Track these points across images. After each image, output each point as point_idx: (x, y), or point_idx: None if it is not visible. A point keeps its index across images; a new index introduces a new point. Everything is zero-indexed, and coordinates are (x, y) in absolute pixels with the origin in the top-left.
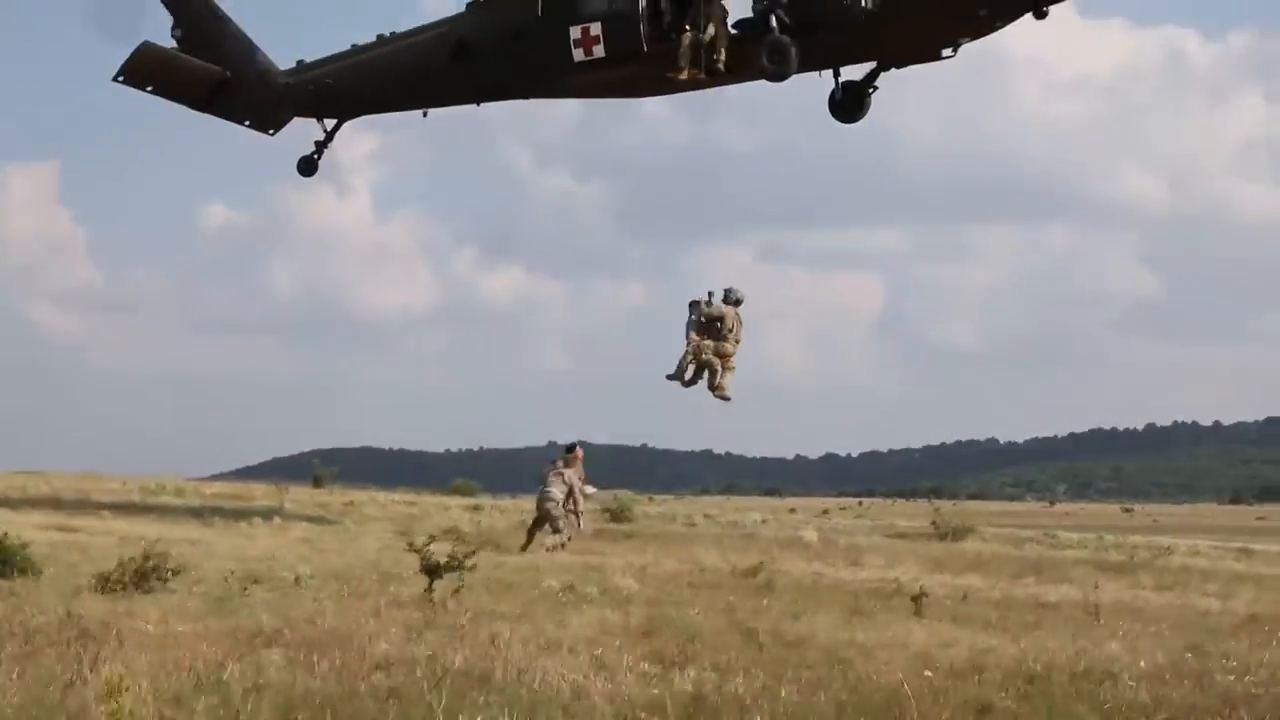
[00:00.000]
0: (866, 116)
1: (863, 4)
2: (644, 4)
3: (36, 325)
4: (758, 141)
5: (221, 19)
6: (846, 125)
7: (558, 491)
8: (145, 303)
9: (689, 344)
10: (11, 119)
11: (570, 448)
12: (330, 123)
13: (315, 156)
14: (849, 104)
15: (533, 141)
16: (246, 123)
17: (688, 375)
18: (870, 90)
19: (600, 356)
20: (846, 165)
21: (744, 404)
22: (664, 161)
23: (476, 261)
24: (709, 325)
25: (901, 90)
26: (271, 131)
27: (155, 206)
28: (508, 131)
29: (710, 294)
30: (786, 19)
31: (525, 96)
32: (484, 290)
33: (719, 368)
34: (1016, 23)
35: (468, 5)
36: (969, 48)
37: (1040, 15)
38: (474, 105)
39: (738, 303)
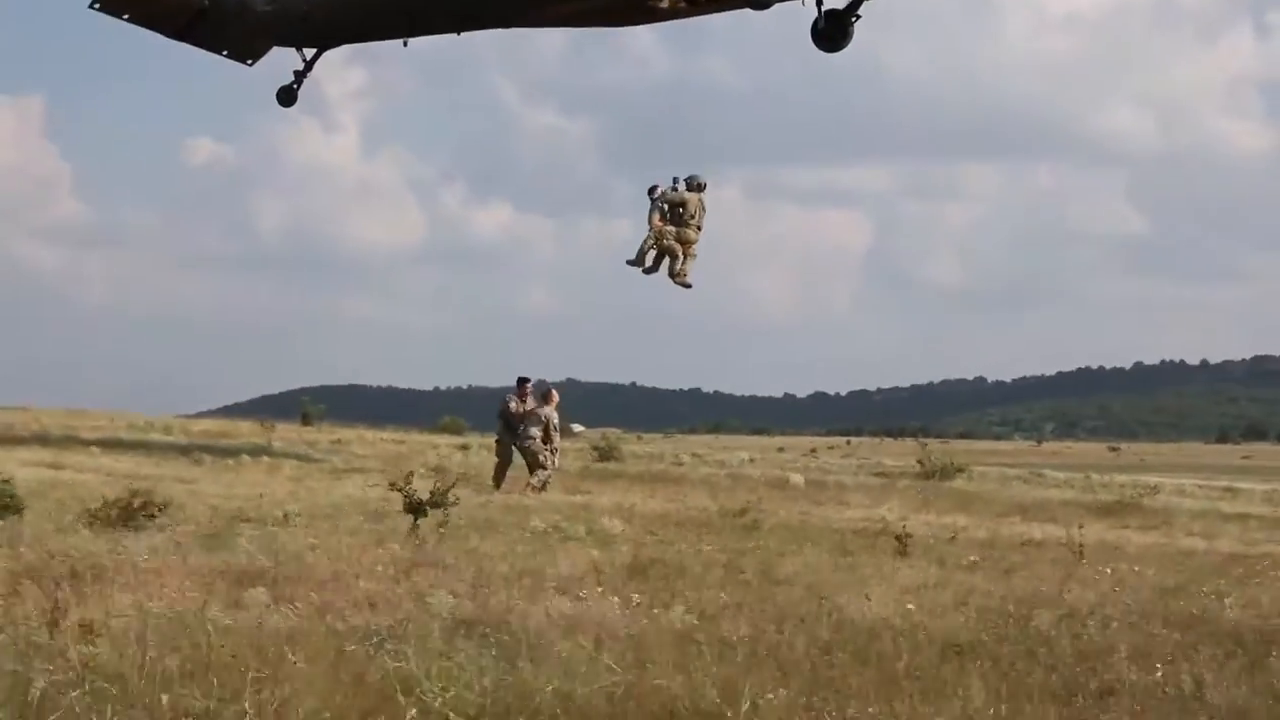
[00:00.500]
0: (855, 52)
1: None
2: None
3: (23, 260)
4: (745, 78)
5: None
6: (831, 55)
7: (536, 430)
8: (132, 237)
9: (651, 229)
10: None
11: (522, 381)
12: (310, 52)
13: (295, 86)
14: (832, 32)
15: (520, 77)
16: (224, 53)
17: (648, 261)
18: (853, 18)
19: (588, 294)
20: (835, 103)
21: (733, 342)
22: (651, 98)
23: (464, 198)
24: (671, 211)
25: (892, 28)
26: (250, 62)
27: (142, 140)
28: (495, 66)
29: (676, 179)
30: None
31: (505, 26)
32: (472, 227)
33: (680, 254)
34: None
35: None
36: None
37: None
38: (457, 37)
39: (700, 188)
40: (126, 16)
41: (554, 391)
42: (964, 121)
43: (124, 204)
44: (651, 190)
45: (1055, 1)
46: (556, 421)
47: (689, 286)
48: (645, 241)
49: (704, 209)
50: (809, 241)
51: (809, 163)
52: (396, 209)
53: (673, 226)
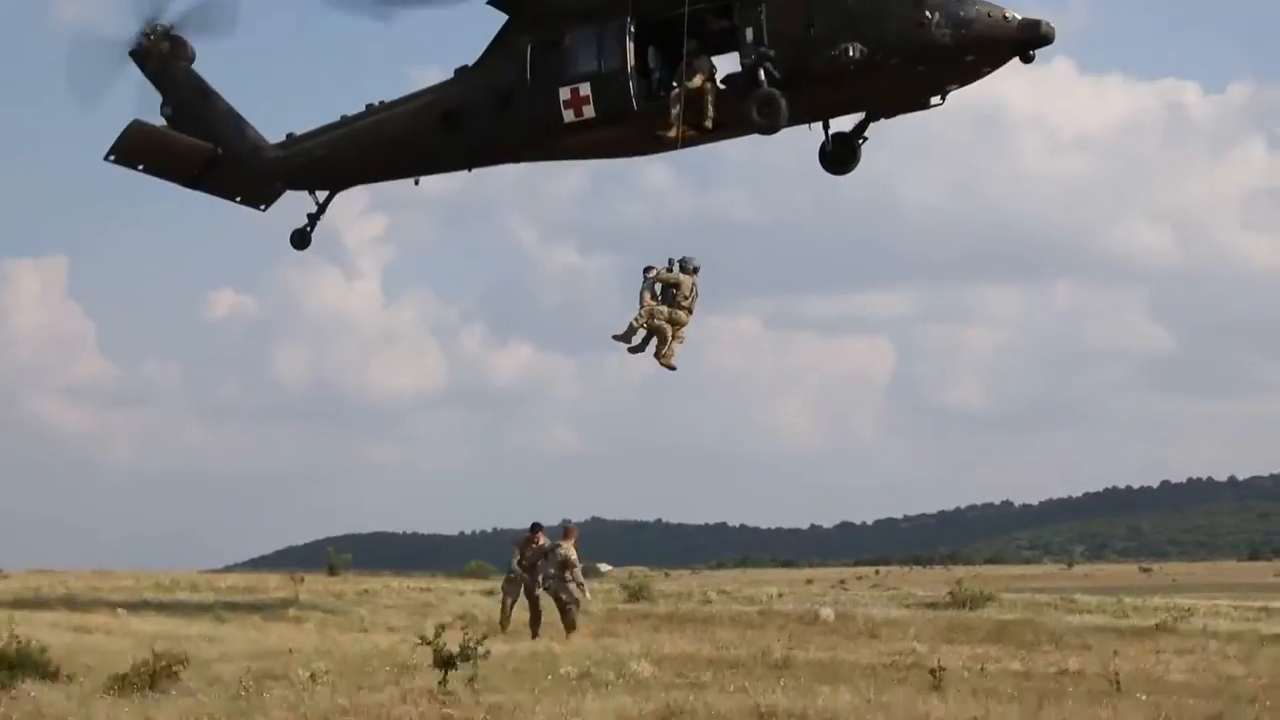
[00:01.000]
0: (868, 177)
1: (850, 53)
2: (632, 63)
3: (48, 421)
4: (761, 210)
5: (210, 95)
6: (843, 182)
7: (554, 569)
8: (156, 394)
9: (642, 307)
10: (19, 216)
11: (535, 527)
12: (322, 194)
13: (308, 229)
14: (839, 156)
15: (538, 217)
16: (238, 199)
17: (636, 339)
18: (860, 141)
19: (611, 432)
20: (851, 230)
21: (757, 474)
22: (669, 233)
23: (485, 340)
24: (664, 291)
25: (903, 152)
26: (263, 207)
27: (164, 295)
28: (513, 208)
29: (671, 260)
30: (775, 72)
31: (515, 160)
32: (493, 368)
33: (669, 335)
34: (1013, 78)
35: (455, 72)
36: (970, 110)
37: (1027, 59)
38: (475, 182)
39: (694, 271)
40: (141, 167)
41: (573, 528)
42: (980, 244)
43: (147, 359)
44: (647, 270)
45: (1066, 123)
46: (575, 558)
47: (673, 369)
48: (635, 319)
49: (697, 293)
50: (830, 370)
51: (828, 291)
52: (417, 353)
53: (665, 307)
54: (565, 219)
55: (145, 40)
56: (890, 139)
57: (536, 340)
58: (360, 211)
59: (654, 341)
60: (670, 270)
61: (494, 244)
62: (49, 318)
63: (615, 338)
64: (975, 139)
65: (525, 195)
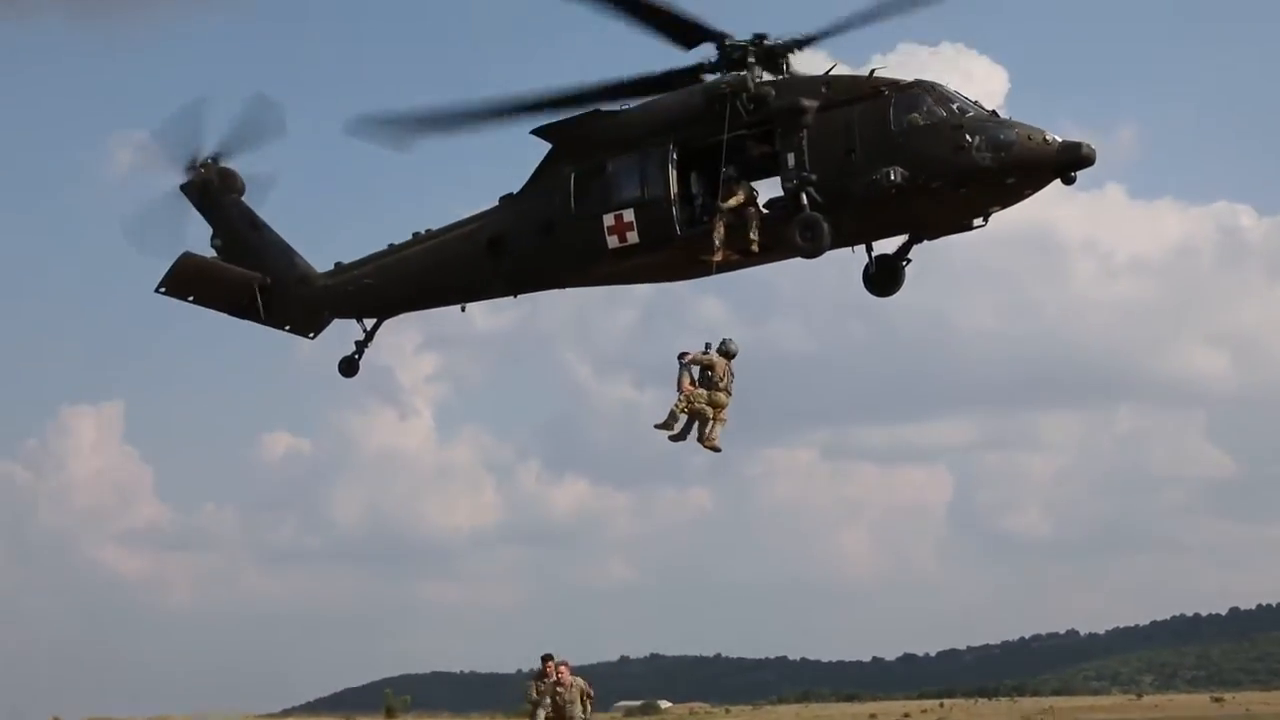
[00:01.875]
0: (921, 308)
1: (891, 178)
2: (675, 189)
3: (106, 567)
4: (814, 340)
5: (259, 226)
6: (896, 310)
7: (579, 712)
8: (212, 537)
9: (680, 393)
10: (77, 363)
11: (545, 659)
12: (370, 322)
13: (356, 357)
14: (883, 278)
15: (591, 351)
16: (286, 327)
17: (678, 426)
18: (904, 263)
19: (667, 565)
20: (904, 358)
21: (817, 606)
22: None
23: (540, 476)
24: (701, 375)
25: (955, 278)
26: (312, 335)
27: (220, 438)
28: (566, 344)
29: (708, 345)
30: (817, 196)
31: (560, 286)
32: (548, 504)
33: (711, 418)
34: (1064, 204)
35: (500, 199)
36: (1023, 236)
37: (1068, 181)
38: (528, 318)
39: (731, 355)
40: (191, 298)
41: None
42: (1036, 369)
43: (204, 502)
44: (681, 356)
45: (1119, 247)
46: (591, 690)
47: (718, 450)
48: (675, 405)
49: (733, 374)
50: (889, 499)
51: (884, 420)
52: (473, 490)
53: (703, 390)
54: (619, 353)
55: (195, 173)
56: (942, 265)
57: (592, 475)
58: (413, 350)
59: (696, 426)
60: (705, 353)
61: (548, 379)
62: (106, 463)
63: (657, 426)
64: (1028, 264)
65: (578, 330)
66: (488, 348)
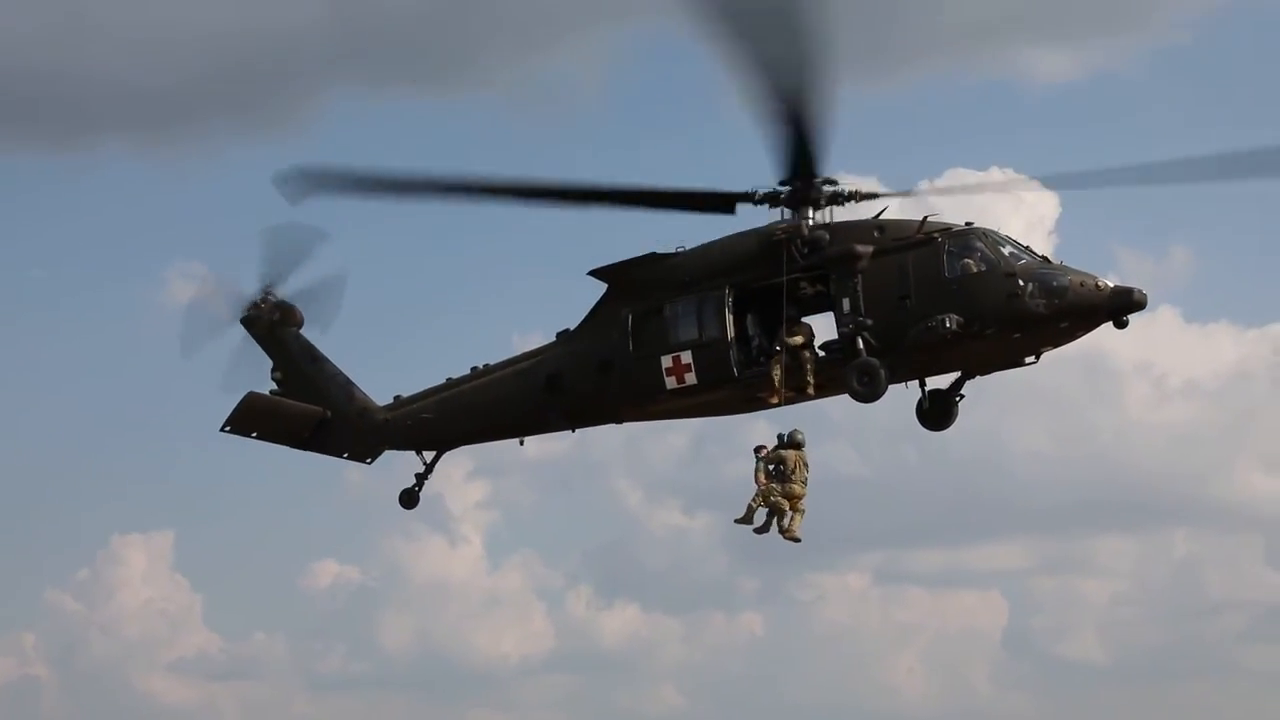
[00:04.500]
0: (973, 432)
1: (947, 324)
2: (732, 331)
3: (156, 698)
4: (866, 465)
5: (318, 359)
6: (946, 436)
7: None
8: (261, 665)
9: (758, 487)
10: (128, 493)
11: (759, 448)
12: (429, 454)
13: (416, 489)
14: (936, 412)
15: (641, 477)
16: (345, 455)
17: (758, 520)
18: (957, 399)
19: (720, 693)
20: (956, 482)
21: None
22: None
23: (590, 602)
24: (775, 469)
25: (1007, 403)
26: (369, 460)
27: (268, 566)
28: (617, 471)
29: (780, 436)
30: (873, 340)
31: (617, 421)
32: (599, 631)
33: (787, 509)
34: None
35: (557, 335)
36: (1075, 360)
37: (1120, 325)
38: (579, 447)
39: (799, 445)
40: (254, 434)
41: None
42: (1090, 493)
43: (254, 630)
44: (757, 450)
45: (1172, 370)
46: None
47: (798, 541)
48: (753, 500)
49: (805, 464)
50: (942, 625)
51: (936, 544)
52: (522, 618)
53: (778, 484)
54: (669, 479)
55: (255, 308)
56: (993, 390)
57: (643, 601)
58: (463, 478)
59: (775, 519)
60: (776, 448)
61: (597, 506)
62: (156, 592)
63: (737, 521)
64: (1080, 389)
65: (628, 456)
66: (537, 475)
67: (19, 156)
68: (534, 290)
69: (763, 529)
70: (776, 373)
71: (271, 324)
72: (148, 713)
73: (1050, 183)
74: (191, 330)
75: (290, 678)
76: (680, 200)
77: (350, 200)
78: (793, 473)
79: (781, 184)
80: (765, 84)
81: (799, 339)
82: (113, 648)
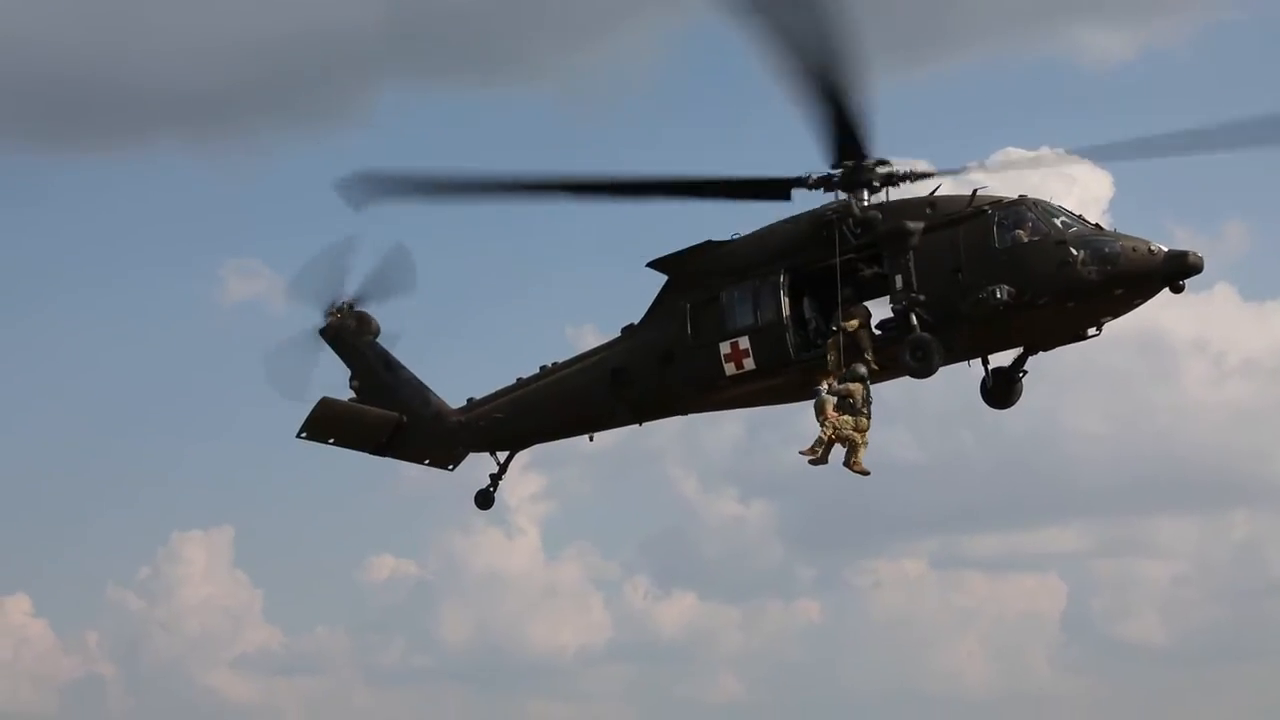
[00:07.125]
0: (1031, 413)
1: (999, 295)
2: (788, 314)
3: (218, 693)
4: (922, 449)
5: (394, 367)
6: (1005, 416)
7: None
8: (321, 659)
9: (827, 419)
10: (187, 490)
11: None
12: (503, 454)
13: (491, 489)
14: (1000, 391)
15: (696, 466)
16: (426, 461)
17: (822, 452)
18: (1020, 375)
19: (778, 680)
20: (1014, 464)
21: (929, 719)
22: (829, 478)
23: (647, 592)
24: (841, 403)
25: (1064, 383)
26: (451, 467)
27: (326, 561)
28: (672, 460)
29: (845, 368)
30: (926, 316)
31: (682, 413)
32: (656, 620)
33: (858, 442)
34: (1174, 307)
35: (621, 330)
36: (1132, 339)
37: (1177, 290)
38: (636, 435)
39: (862, 378)
40: (331, 440)
41: None
42: (1149, 474)
43: (314, 624)
44: (815, 390)
45: (1230, 348)
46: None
47: (867, 474)
48: (822, 433)
49: (870, 398)
50: (1000, 609)
51: (994, 528)
52: (580, 609)
53: (848, 416)
54: (724, 467)
55: (332, 318)
56: (1050, 371)
57: (700, 589)
58: (518, 470)
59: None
60: (845, 380)
61: (653, 495)
62: (217, 589)
63: (802, 453)
64: (1138, 368)
65: (683, 445)
66: (592, 466)
67: (72, 157)
68: (586, 281)
69: (822, 459)
70: (833, 355)
71: (349, 334)
72: (213, 708)
73: (1101, 155)
74: (287, 371)
75: (350, 671)
76: (735, 189)
77: (411, 204)
78: (862, 405)
79: (834, 168)
80: (804, 66)
81: (855, 321)
82: (175, 645)
